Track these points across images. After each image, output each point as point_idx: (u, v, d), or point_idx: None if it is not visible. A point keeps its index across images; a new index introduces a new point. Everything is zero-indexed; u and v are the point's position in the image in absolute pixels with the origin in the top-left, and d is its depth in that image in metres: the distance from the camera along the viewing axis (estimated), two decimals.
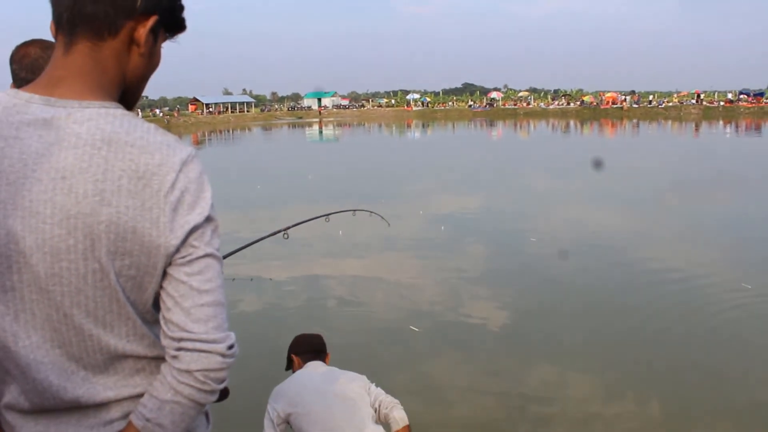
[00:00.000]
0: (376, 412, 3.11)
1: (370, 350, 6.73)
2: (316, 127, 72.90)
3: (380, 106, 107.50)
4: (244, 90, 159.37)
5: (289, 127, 76.51)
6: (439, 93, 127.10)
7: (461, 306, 8.13)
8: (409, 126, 69.08)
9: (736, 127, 54.59)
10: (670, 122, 63.63)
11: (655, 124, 60.59)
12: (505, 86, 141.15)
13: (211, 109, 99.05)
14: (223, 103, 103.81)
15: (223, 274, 1.25)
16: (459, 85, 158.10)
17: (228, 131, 69.93)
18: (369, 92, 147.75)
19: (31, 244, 1.12)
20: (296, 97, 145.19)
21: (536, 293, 8.63)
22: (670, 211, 15.05)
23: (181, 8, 1.31)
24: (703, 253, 10.74)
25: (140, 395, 1.23)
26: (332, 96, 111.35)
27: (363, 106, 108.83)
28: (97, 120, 1.16)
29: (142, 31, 1.21)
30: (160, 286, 1.20)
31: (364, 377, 3.34)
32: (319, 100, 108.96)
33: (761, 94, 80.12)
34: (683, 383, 5.89)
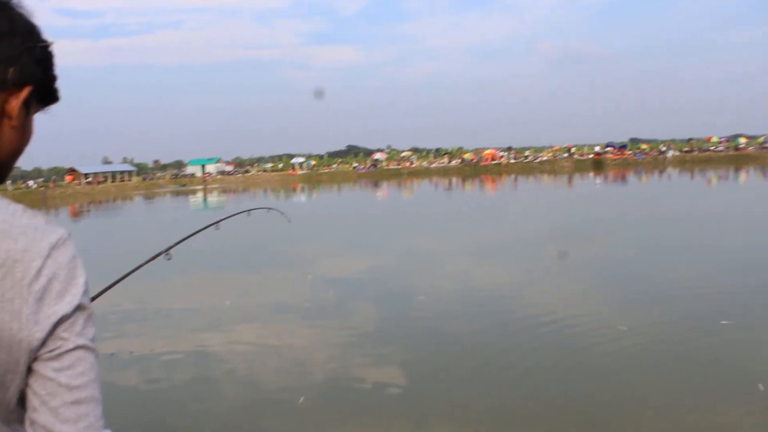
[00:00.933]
0: None
1: (255, 425, 6.60)
2: (200, 194, 71.66)
3: (265, 171, 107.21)
4: (125, 158, 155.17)
5: (172, 195, 74.91)
6: (323, 156, 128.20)
7: (353, 371, 8.11)
8: (294, 190, 69.11)
9: (605, 177, 58.02)
10: (545, 176, 66.73)
11: (532, 178, 63.33)
12: (389, 147, 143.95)
13: (89, 179, 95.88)
14: (102, 172, 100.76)
15: (98, 365, 1.14)
16: (343, 147, 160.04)
17: (108, 201, 67.67)
18: (254, 157, 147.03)
19: None
20: (179, 165, 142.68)
21: (427, 352, 8.71)
22: (550, 260, 15.69)
23: (54, 78, 1.24)
24: (583, 300, 11.21)
25: None
26: (216, 162, 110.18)
27: (248, 171, 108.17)
28: None
29: (15, 104, 1.13)
30: (26, 384, 1.07)
31: None
32: (203, 166, 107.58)
33: (624, 147, 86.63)
34: (574, 427, 6.12)
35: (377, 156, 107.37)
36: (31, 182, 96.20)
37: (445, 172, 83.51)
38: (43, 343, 1.05)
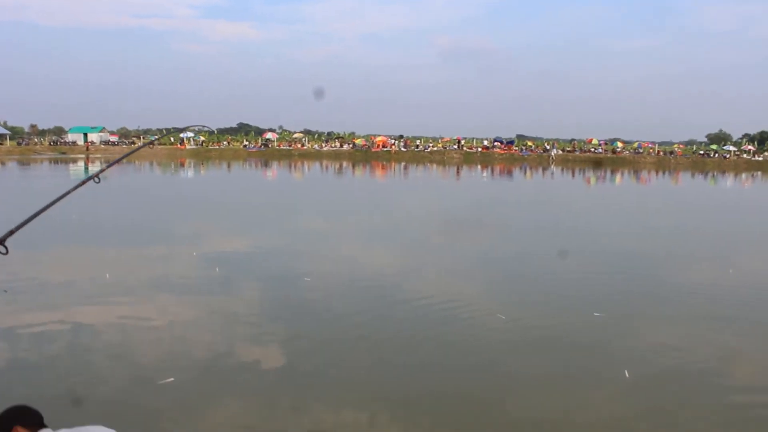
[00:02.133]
0: None
1: (129, 402, 6.57)
2: (81, 163, 68.70)
3: (152, 144, 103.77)
4: None
5: (50, 162, 71.41)
6: (214, 132, 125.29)
7: (232, 349, 8.17)
8: (182, 165, 67.39)
9: (492, 171, 59.85)
10: (435, 165, 68.06)
11: (422, 167, 64.44)
12: (281, 127, 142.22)
13: None
14: None
15: None
16: (234, 125, 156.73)
17: None
18: (141, 129, 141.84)
19: None
20: (59, 131, 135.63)
21: (308, 330, 8.89)
22: (434, 247, 16.18)
23: None
24: (463, 288, 11.69)
25: None
26: (100, 131, 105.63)
27: (134, 143, 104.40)
28: None
29: None
30: None
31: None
32: (86, 135, 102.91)
33: (512, 143, 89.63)
34: (449, 408, 6.44)
35: (269, 136, 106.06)
36: None
37: (336, 156, 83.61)
38: None
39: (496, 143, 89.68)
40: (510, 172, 57.96)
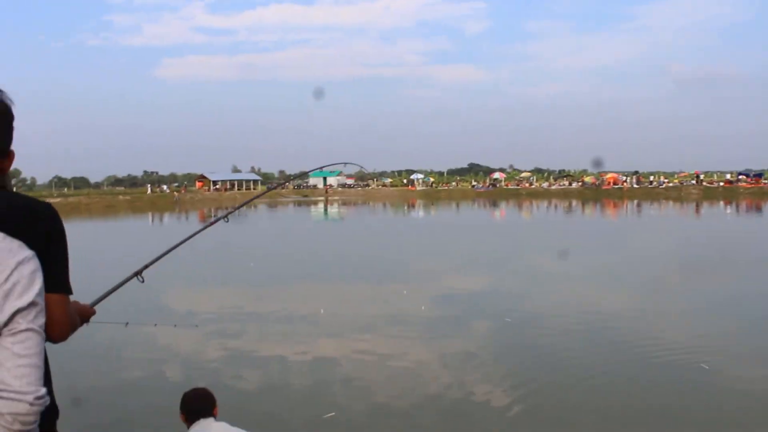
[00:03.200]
0: None
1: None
2: (321, 205, 73.78)
3: (385, 185, 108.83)
4: (252, 168, 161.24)
5: (294, 204, 77.38)
6: (444, 173, 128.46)
7: (463, 387, 8.25)
8: (413, 206, 69.78)
9: (737, 206, 55.30)
10: (671, 202, 64.35)
11: (656, 204, 61.24)
12: (511, 166, 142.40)
13: (218, 186, 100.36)
14: (230, 180, 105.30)
15: (42, 344, 1.66)
16: (465, 165, 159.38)
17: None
18: (376, 171, 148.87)
19: None
20: (303, 176, 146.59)
21: (538, 374, 8.75)
22: (675, 292, 15.28)
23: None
24: (718, 340, 10.82)
25: None
26: (338, 175, 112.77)
27: (368, 185, 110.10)
28: None
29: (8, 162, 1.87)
30: None
31: None
32: (325, 179, 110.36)
33: (760, 175, 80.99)
34: None
35: (496, 175, 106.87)
36: (164, 186, 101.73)
37: (564, 194, 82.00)
38: (5, 324, 1.59)
39: (741, 177, 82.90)
40: (759, 208, 53.06)
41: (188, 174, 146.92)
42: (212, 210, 66.03)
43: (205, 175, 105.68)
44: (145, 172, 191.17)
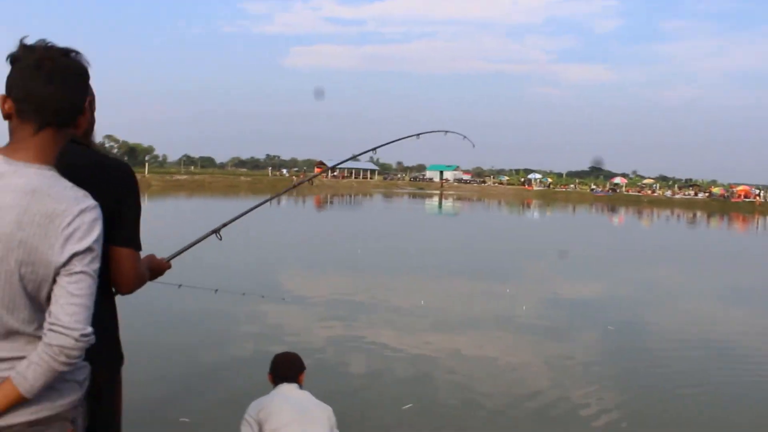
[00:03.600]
0: None
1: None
2: (435, 199, 73.90)
3: (501, 183, 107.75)
4: (371, 158, 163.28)
5: (409, 196, 77.84)
6: (563, 174, 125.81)
7: (558, 391, 8.14)
8: (528, 206, 68.72)
9: None
10: None
11: None
12: (634, 172, 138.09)
13: (335, 173, 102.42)
14: (348, 168, 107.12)
15: (94, 287, 1.81)
16: (586, 168, 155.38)
17: (350, 196, 71.92)
18: (493, 168, 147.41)
19: None
20: (420, 168, 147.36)
21: (638, 383, 8.53)
22: None
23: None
24: None
25: (23, 358, 1.80)
26: (454, 170, 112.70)
27: (484, 182, 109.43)
28: (31, 177, 1.80)
29: (82, 118, 2.00)
30: (51, 289, 1.78)
31: (330, 409, 3.75)
32: (441, 172, 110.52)
33: None
34: None
35: (617, 180, 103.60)
36: (284, 170, 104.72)
37: (689, 204, 78.24)
38: (63, 265, 1.76)
39: None
40: None
41: (308, 160, 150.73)
42: (329, 196, 67.47)
43: (324, 161, 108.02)
44: (268, 155, 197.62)
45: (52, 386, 1.81)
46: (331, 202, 59.42)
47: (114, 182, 2.28)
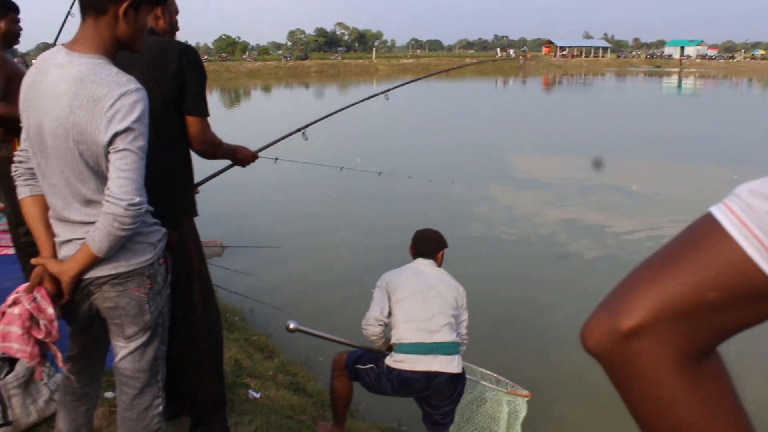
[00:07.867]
0: (454, 323, 3.58)
1: None
2: (674, 77, 68.26)
3: (753, 57, 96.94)
4: (604, 35, 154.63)
5: (645, 75, 72.81)
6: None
7: None
8: None
9: None
10: None
11: None
12: None
13: (564, 53, 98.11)
14: (577, 46, 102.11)
15: (141, 162, 1.98)
16: None
17: (579, 76, 68.83)
18: (749, 42, 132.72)
19: (46, 130, 2.00)
20: (659, 44, 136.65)
21: None
22: None
23: None
24: None
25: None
26: (697, 45, 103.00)
27: (733, 57, 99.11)
28: (81, 66, 1.99)
29: (121, 11, 2.03)
30: (107, 165, 1.99)
31: (462, 289, 3.70)
32: (682, 48, 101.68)
33: None
34: None
35: None
36: (511, 51, 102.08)
37: None
38: (110, 143, 1.95)
39: None
40: None
41: (537, 39, 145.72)
42: (557, 76, 65.06)
43: (552, 40, 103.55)
44: (496, 36, 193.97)
45: (126, 247, 2.11)
46: (560, 83, 57.13)
47: (171, 62, 2.60)
